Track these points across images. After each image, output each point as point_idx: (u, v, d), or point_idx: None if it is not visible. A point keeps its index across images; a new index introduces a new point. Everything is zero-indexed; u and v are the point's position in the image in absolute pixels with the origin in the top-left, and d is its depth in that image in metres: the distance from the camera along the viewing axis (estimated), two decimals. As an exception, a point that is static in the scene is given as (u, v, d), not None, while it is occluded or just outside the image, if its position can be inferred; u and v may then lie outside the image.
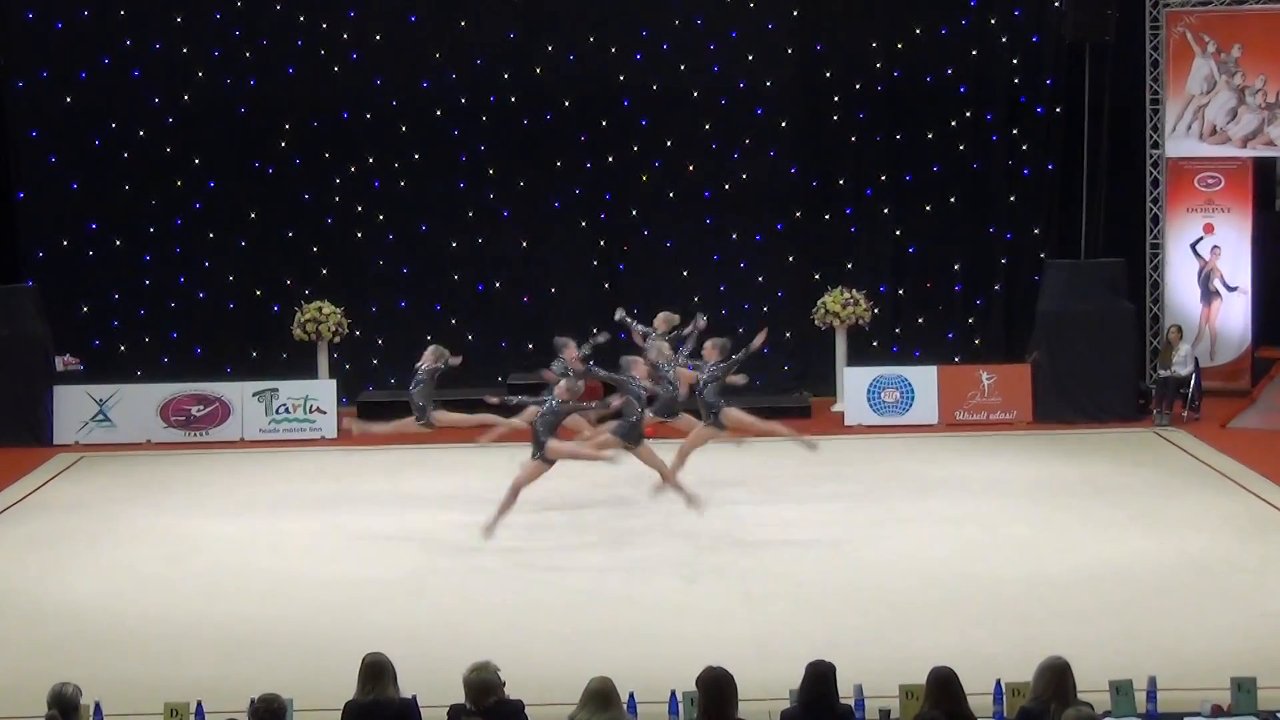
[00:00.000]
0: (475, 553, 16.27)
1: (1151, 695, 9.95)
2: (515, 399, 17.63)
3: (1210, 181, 24.11)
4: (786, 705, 9.22)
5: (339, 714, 9.19)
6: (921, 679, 8.83)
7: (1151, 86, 24.16)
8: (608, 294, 24.87)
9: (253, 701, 8.83)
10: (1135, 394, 22.96)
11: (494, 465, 20.42)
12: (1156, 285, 24.41)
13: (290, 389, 22.93)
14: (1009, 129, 24.68)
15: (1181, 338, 22.99)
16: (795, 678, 8.94)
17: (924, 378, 23.07)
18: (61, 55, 24.27)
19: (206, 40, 24.40)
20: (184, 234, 24.68)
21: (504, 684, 8.89)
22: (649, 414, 17.07)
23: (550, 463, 16.23)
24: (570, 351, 18.21)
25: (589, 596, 14.61)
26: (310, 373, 23.52)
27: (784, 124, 24.79)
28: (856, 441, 21.85)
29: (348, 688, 9.32)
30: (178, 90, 24.40)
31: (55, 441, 22.46)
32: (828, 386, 23.92)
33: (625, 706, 8.76)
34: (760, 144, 24.76)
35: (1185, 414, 22.59)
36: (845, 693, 9.13)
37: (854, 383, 23.06)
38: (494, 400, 17.81)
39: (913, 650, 12.43)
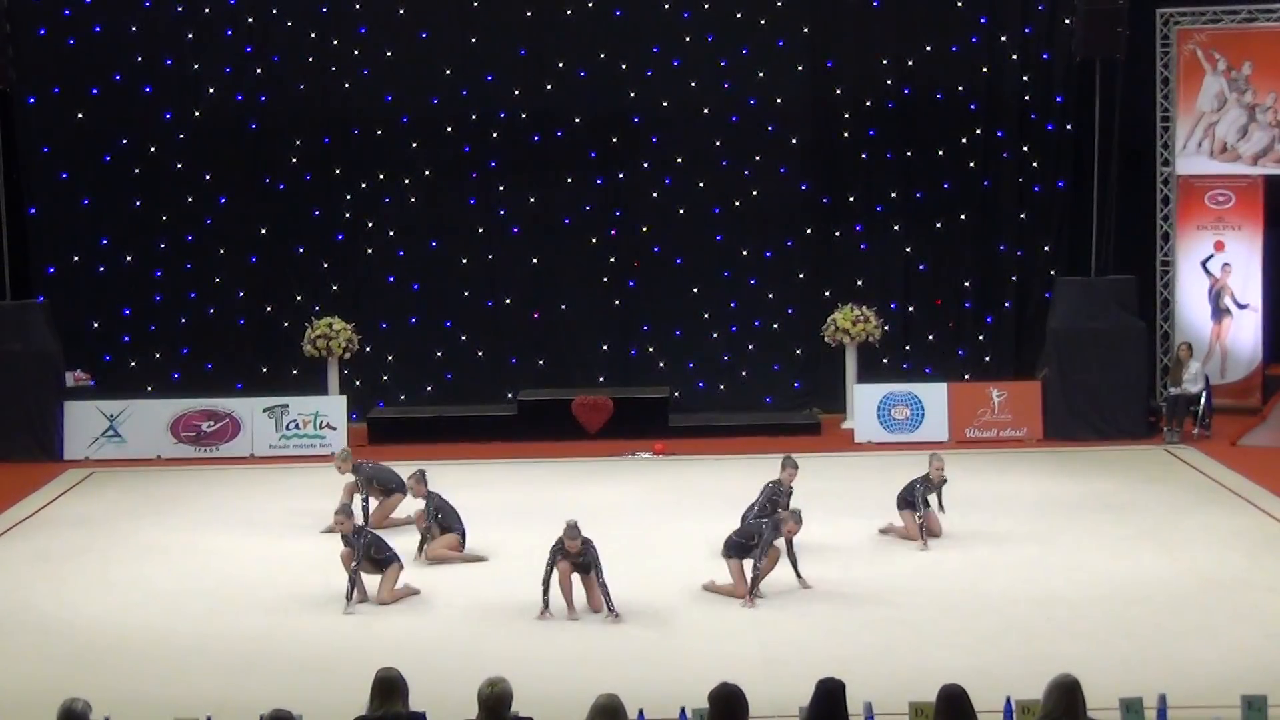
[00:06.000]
0: (484, 569, 16.29)
1: (1162, 713, 9.92)
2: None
3: (1221, 199, 24.10)
4: (796, 722, 9.22)
5: (348, 730, 9.20)
6: (932, 696, 8.81)
7: (1162, 104, 24.15)
8: (618, 310, 24.93)
9: (262, 717, 8.83)
10: (1146, 411, 22.92)
11: (505, 481, 20.49)
12: (1167, 302, 24.38)
13: (300, 405, 22.95)
14: (1019, 146, 24.69)
15: (1192, 355, 22.95)
16: (805, 695, 8.92)
17: (934, 395, 23.06)
18: (73, 71, 24.36)
19: (218, 56, 24.48)
20: (195, 250, 24.74)
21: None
22: None
23: None
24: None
25: (599, 613, 14.57)
26: (320, 389, 23.52)
27: (795, 141, 24.81)
28: (866, 458, 21.84)
29: (357, 704, 9.31)
30: (189, 106, 24.48)
31: (65, 457, 22.50)
32: (838, 403, 23.92)
33: (633, 723, 8.74)
34: (771, 161, 24.79)
35: (1196, 431, 22.56)
36: (855, 710, 9.10)
37: (864, 400, 23.05)
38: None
39: (923, 668, 12.43)
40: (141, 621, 14.71)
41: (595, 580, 14.45)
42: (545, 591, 14.44)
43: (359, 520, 16.42)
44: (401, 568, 15.28)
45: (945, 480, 17.41)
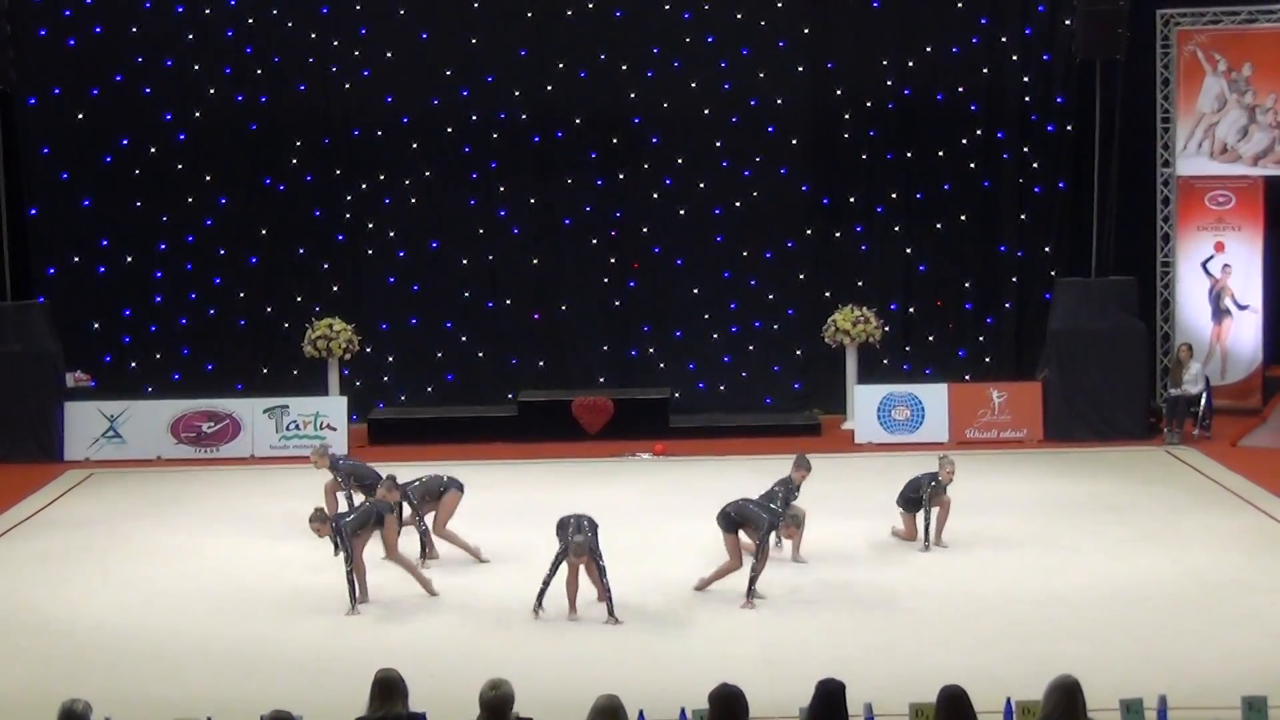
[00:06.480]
0: (484, 570, 16.30)
1: (1162, 714, 9.92)
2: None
3: (1221, 200, 24.10)
4: (796, 723, 9.22)
5: (348, 731, 9.19)
6: (932, 697, 8.80)
7: (1162, 104, 24.15)
8: (618, 311, 24.92)
9: (262, 718, 8.82)
10: (1146, 412, 22.93)
11: (505, 482, 20.49)
12: (1167, 303, 24.38)
13: (301, 406, 22.96)
14: (1020, 147, 24.69)
15: (1192, 356, 22.95)
16: (805, 695, 8.91)
17: (935, 396, 23.06)
18: (73, 72, 24.35)
19: (218, 57, 24.47)
20: (195, 250, 24.74)
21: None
22: None
23: None
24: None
25: (599, 614, 14.57)
26: (321, 389, 23.53)
27: (795, 141, 24.81)
28: (867, 459, 21.84)
29: (357, 704, 9.30)
30: (189, 107, 24.47)
31: (66, 457, 22.50)
32: (838, 404, 23.92)
33: (634, 724, 8.73)
34: (771, 162, 24.78)
35: (1196, 432, 22.57)
36: (855, 711, 9.10)
37: (864, 400, 23.05)
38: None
39: (923, 668, 12.44)
40: (141, 622, 14.71)
41: (595, 564, 14.41)
42: (541, 594, 14.42)
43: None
44: (396, 518, 15.41)
45: (950, 482, 17.41)
